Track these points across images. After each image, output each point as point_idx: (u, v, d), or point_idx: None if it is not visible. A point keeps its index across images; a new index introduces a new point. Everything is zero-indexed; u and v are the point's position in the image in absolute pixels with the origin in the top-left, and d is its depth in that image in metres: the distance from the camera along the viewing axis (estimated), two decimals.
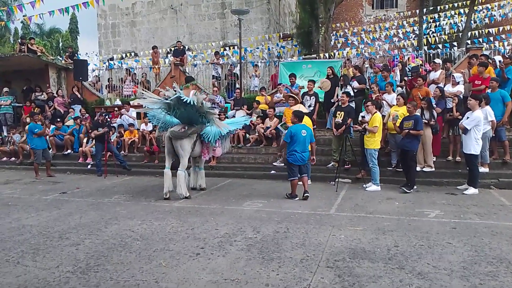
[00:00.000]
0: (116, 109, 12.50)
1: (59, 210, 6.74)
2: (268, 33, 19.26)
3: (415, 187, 7.91)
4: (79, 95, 14.07)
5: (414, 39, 18.02)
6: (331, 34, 17.60)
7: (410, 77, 10.85)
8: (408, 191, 7.74)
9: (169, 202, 7.25)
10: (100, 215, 6.37)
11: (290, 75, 11.53)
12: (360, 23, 21.52)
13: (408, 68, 11.94)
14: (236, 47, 17.84)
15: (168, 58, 17.04)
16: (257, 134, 11.08)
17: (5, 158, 12.88)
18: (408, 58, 13.56)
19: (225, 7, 20.67)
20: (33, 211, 6.68)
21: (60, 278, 3.87)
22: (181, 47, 15.37)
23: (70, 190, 8.65)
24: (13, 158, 12.76)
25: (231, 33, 20.57)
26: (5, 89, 14.52)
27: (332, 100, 10.79)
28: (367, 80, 11.40)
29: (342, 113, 8.96)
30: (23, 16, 17.17)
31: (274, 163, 10.15)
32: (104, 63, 19.18)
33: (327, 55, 15.15)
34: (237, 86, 13.42)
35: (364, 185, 8.26)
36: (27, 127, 12.62)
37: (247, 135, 11.28)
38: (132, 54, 21.03)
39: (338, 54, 15.91)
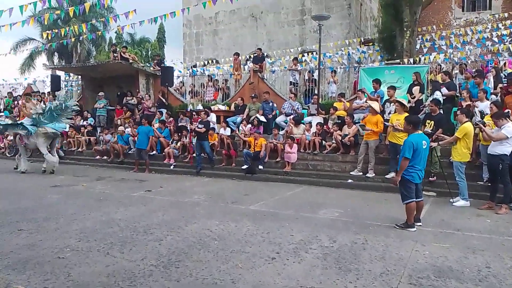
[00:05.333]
0: (194, 113, 13.09)
1: (145, 207, 7.18)
2: (348, 39, 18.88)
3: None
4: (164, 100, 14.98)
5: (510, 43, 16.44)
6: (417, 38, 16.72)
7: (505, 84, 9.89)
8: None
9: (245, 205, 7.38)
10: (180, 213, 6.67)
11: (374, 81, 11.13)
12: (449, 26, 20.18)
13: (504, 74, 10.91)
14: (314, 53, 17.72)
15: (248, 65, 17.44)
16: (334, 141, 10.85)
17: (98, 157, 14.08)
18: (504, 63, 12.41)
19: (305, 13, 20.71)
20: (121, 206, 7.19)
21: (144, 270, 4.10)
22: (261, 54, 15.64)
23: (155, 189, 9.17)
24: (105, 157, 13.90)
25: (309, 39, 20.53)
26: (101, 93, 15.94)
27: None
28: (457, 87, 10.63)
29: (432, 122, 8.42)
30: (117, 26, 18.67)
31: (352, 172, 9.85)
32: (188, 69, 20.17)
33: (411, 60, 14.42)
34: (315, 92, 13.30)
35: (451, 200, 7.67)
36: (119, 128, 13.79)
37: (323, 141, 11.09)
38: (214, 61, 21.89)
39: (424, 59, 15.04)
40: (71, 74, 20.59)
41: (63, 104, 11.66)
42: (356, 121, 10.86)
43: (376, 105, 9.65)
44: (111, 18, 16.40)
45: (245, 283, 3.79)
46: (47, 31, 17.73)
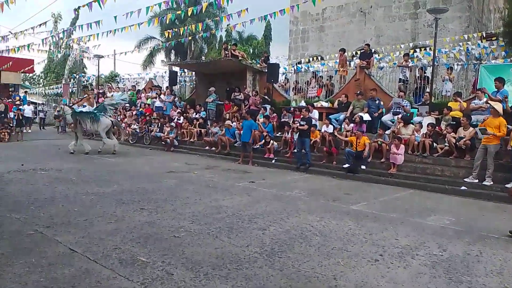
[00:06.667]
0: (297, 110, 13.25)
1: (249, 197, 7.54)
2: (467, 33, 17.26)
3: None
4: (266, 97, 15.45)
5: None
6: None
7: None
8: None
9: (346, 204, 7.30)
10: (282, 206, 6.86)
11: (496, 79, 10.03)
12: None
13: None
14: (428, 48, 16.57)
15: (353, 61, 17.02)
16: (446, 144, 10.08)
17: (207, 147, 15.05)
18: None
19: (419, 6, 19.49)
20: (228, 195, 7.65)
21: (249, 256, 4.35)
22: (368, 50, 15.13)
23: (257, 181, 9.53)
24: (213, 148, 14.80)
25: (422, 34, 19.25)
26: (212, 88, 16.97)
27: None
28: None
29: None
30: (227, 25, 19.53)
31: (466, 179, 9.05)
32: (293, 66, 20.39)
33: None
34: (427, 90, 12.47)
35: None
36: (227, 121, 14.59)
37: (435, 144, 10.37)
38: (319, 58, 21.76)
39: None
40: (186, 70, 22.26)
41: (121, 97, 15.40)
42: (474, 123, 9.94)
43: (499, 107, 8.72)
44: (225, 17, 17.25)
45: (347, 281, 3.79)
46: (168, 30, 19.37)
